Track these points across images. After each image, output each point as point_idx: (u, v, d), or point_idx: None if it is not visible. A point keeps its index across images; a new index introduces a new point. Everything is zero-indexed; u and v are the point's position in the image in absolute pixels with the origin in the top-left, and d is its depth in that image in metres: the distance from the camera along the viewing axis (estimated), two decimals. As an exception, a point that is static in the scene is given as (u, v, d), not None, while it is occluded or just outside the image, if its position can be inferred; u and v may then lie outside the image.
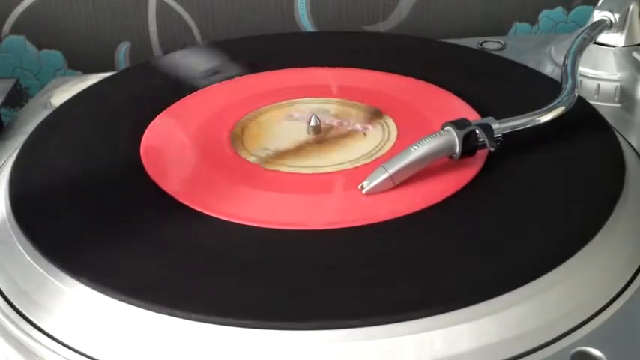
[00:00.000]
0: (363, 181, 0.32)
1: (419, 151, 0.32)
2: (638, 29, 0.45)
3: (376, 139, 0.37)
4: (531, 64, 0.46)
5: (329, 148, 0.36)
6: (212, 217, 0.31)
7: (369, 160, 0.35)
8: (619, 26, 0.44)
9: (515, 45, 0.52)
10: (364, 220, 0.30)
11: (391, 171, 0.32)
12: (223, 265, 0.28)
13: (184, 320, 0.26)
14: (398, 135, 0.37)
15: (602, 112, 0.38)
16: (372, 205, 0.31)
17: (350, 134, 0.37)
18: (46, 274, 0.28)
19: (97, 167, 0.36)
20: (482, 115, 0.37)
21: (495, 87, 0.42)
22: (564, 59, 0.39)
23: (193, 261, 0.28)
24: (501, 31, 0.62)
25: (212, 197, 0.32)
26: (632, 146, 0.37)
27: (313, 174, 0.34)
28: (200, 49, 0.50)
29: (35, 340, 0.27)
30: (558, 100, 0.35)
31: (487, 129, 0.33)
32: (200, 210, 0.31)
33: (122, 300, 0.26)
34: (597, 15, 0.45)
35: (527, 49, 0.50)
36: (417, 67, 0.44)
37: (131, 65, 0.59)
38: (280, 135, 0.38)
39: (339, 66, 0.45)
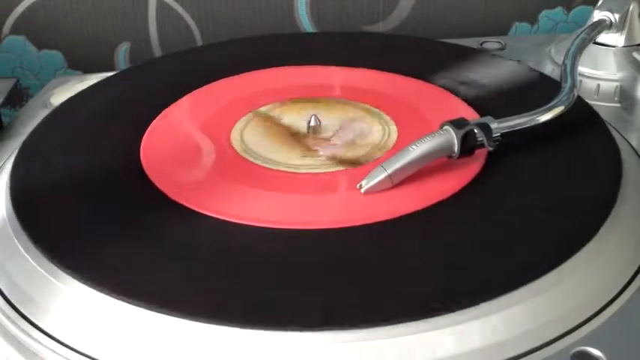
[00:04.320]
0: (361, 181, 0.32)
1: (417, 150, 0.32)
2: (638, 29, 0.45)
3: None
4: (531, 64, 0.46)
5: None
6: (212, 217, 0.31)
7: (368, 160, 0.35)
8: (619, 26, 0.44)
9: (515, 45, 0.52)
10: (363, 219, 0.30)
11: (390, 170, 0.32)
12: (222, 265, 0.28)
13: (184, 320, 0.25)
14: (398, 135, 0.37)
15: (602, 112, 0.38)
16: (370, 204, 0.31)
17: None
18: (46, 274, 0.28)
19: (96, 167, 0.36)
20: (482, 114, 0.37)
21: (495, 87, 0.42)
22: (564, 59, 0.39)
23: (192, 261, 0.28)
24: (501, 31, 0.62)
25: (212, 197, 0.32)
26: (632, 146, 0.37)
27: (313, 174, 0.34)
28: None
29: (35, 339, 0.27)
30: (557, 99, 0.35)
31: (485, 128, 0.33)
32: (200, 210, 0.31)
33: (122, 300, 0.26)
34: (597, 15, 0.45)
35: (527, 49, 0.51)
36: (417, 67, 0.44)
37: (132, 65, 0.59)
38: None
39: (339, 66, 0.45)
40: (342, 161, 0.35)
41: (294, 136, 0.38)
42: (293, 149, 0.36)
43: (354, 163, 0.35)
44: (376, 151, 0.36)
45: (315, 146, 0.37)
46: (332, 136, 0.37)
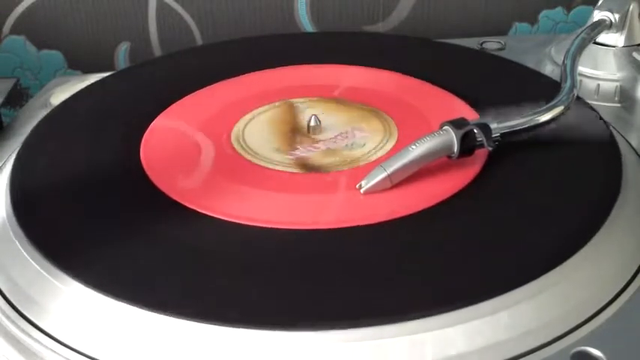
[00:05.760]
0: (361, 181, 0.32)
1: (417, 150, 0.32)
2: (638, 29, 0.45)
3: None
4: (531, 64, 0.46)
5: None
6: (212, 216, 0.31)
7: (369, 160, 0.35)
8: (619, 26, 0.44)
9: (515, 45, 0.52)
10: (362, 219, 0.30)
11: (389, 170, 0.32)
12: (223, 266, 0.28)
13: (184, 321, 0.25)
14: (398, 135, 0.37)
15: (602, 112, 0.38)
16: (370, 204, 0.31)
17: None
18: (46, 274, 0.28)
19: (96, 167, 0.36)
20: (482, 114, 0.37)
21: (495, 87, 0.42)
22: (564, 59, 0.39)
23: (193, 261, 0.28)
24: (501, 31, 0.62)
25: (212, 197, 0.32)
26: (632, 146, 0.37)
27: (313, 174, 0.34)
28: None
29: (35, 339, 0.27)
30: (557, 99, 0.35)
31: (485, 128, 0.33)
32: (200, 210, 0.31)
33: (122, 300, 0.26)
34: (597, 15, 0.45)
35: (527, 49, 0.51)
36: (417, 67, 0.44)
37: (131, 64, 0.59)
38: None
39: (339, 66, 0.45)
40: (304, 166, 0.35)
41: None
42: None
43: (315, 169, 0.34)
44: (344, 165, 0.35)
45: (298, 145, 0.36)
46: (327, 139, 0.37)
